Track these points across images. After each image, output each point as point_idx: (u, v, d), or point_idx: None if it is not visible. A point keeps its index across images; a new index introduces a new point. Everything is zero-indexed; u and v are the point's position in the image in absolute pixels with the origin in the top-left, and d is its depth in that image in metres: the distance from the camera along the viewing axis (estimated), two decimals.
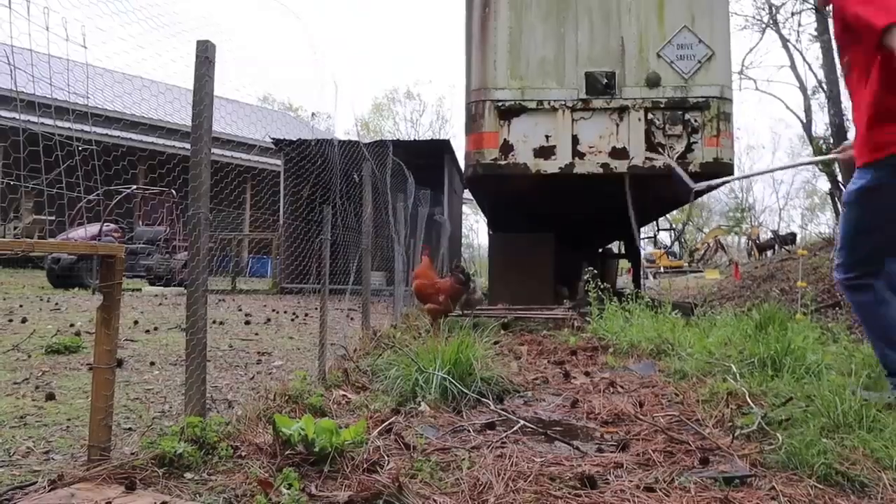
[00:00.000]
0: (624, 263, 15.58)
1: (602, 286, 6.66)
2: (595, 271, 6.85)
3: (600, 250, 14.24)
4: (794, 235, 19.74)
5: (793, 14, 20.07)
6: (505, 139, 7.76)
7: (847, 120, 17.73)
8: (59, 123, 2.51)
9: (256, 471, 2.06)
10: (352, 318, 5.98)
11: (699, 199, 9.89)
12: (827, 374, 3.50)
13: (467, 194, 16.16)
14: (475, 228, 43.06)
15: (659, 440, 2.56)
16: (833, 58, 17.66)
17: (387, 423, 2.72)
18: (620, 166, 7.74)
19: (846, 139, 17.82)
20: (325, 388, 3.32)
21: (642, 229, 14.08)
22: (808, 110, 21.87)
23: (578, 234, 11.36)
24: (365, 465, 2.14)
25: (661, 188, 8.04)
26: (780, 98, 60.25)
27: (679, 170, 5.62)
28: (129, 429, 2.60)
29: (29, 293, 9.64)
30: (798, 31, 29.09)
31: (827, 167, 19.42)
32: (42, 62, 2.20)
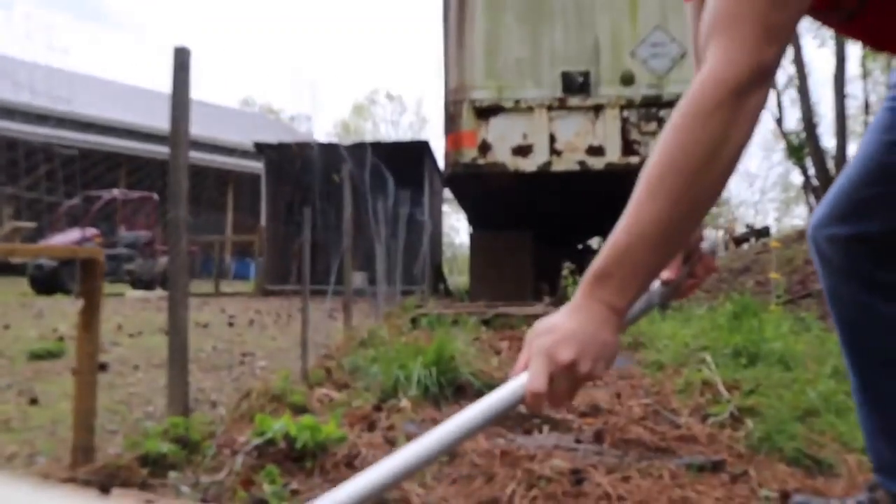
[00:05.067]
0: None
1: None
2: (574, 267, 6.93)
3: (580, 246, 14.35)
4: (768, 229, 19.94)
5: None
6: (483, 138, 7.83)
7: (816, 115, 17.95)
8: (39, 129, 2.54)
9: (239, 468, 2.10)
10: (334, 318, 6.02)
11: None
12: (799, 361, 3.59)
13: (448, 193, 16.22)
14: (456, 227, 43.14)
15: (635, 430, 2.62)
16: (802, 55, 17.89)
17: (368, 419, 2.76)
18: (597, 164, 7.82)
19: (816, 133, 17.98)
20: (307, 386, 3.36)
21: None
22: (779, 105, 22.13)
23: (558, 231, 11.45)
24: (346, 461, 2.19)
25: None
26: None
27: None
28: (114, 431, 2.63)
29: (11, 299, 9.59)
30: None
31: (799, 160, 19.65)
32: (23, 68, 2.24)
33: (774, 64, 1.03)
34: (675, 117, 1.03)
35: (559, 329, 0.97)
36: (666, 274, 1.24)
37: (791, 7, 1.05)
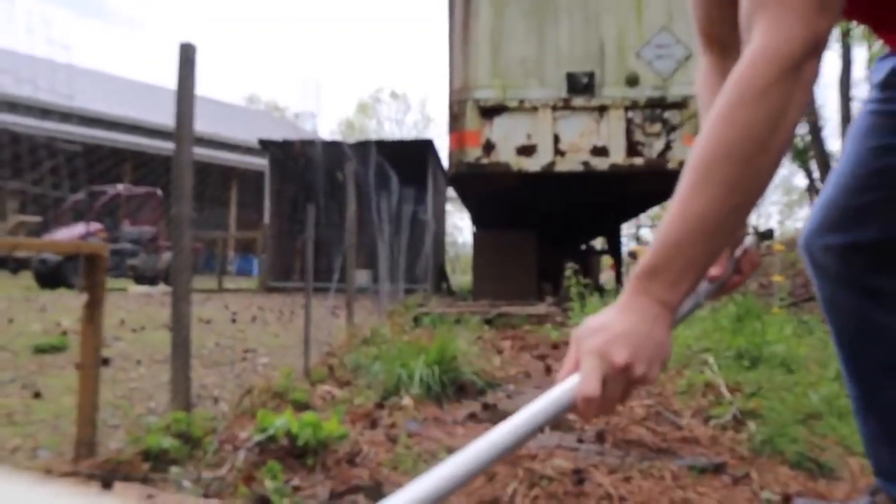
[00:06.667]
0: (607, 259, 15.69)
1: (584, 282, 6.74)
2: (577, 267, 6.93)
3: (583, 247, 14.36)
4: (771, 231, 19.94)
5: None
6: (487, 138, 7.83)
7: (820, 118, 17.86)
8: (43, 124, 2.55)
9: (241, 464, 2.10)
10: (336, 316, 6.02)
11: None
12: (801, 364, 3.58)
13: (451, 192, 16.23)
14: (459, 226, 43.16)
15: (637, 431, 2.62)
16: None
17: (370, 416, 2.77)
18: (601, 164, 7.82)
19: (821, 136, 17.94)
20: (309, 383, 3.37)
21: (623, 226, 14.19)
22: None
23: (561, 230, 11.46)
24: (347, 458, 2.19)
25: (641, 185, 8.13)
26: None
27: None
28: (116, 425, 2.64)
29: (15, 293, 9.61)
30: None
31: (803, 163, 19.62)
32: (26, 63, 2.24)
33: (828, 35, 0.99)
34: (723, 101, 0.98)
35: (611, 328, 0.93)
36: (713, 270, 1.20)
37: None
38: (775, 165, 0.98)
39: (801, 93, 0.96)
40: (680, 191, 0.98)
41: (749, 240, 1.30)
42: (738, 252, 1.28)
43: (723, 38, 1.41)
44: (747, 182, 0.96)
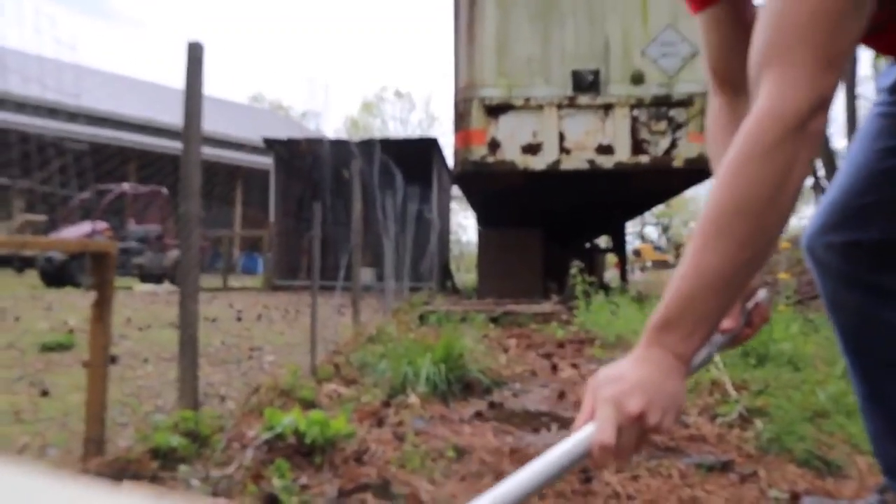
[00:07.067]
0: (611, 258, 15.69)
1: (589, 280, 6.74)
2: (582, 265, 6.92)
3: (588, 245, 14.35)
4: None
5: None
6: (492, 136, 7.82)
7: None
8: (48, 123, 2.56)
9: (249, 462, 2.11)
10: (342, 314, 6.03)
11: (685, 193, 10.05)
12: (808, 362, 3.58)
13: (456, 191, 16.23)
14: (464, 225, 43.16)
15: None
16: None
17: (377, 414, 2.77)
18: (607, 163, 7.81)
19: (827, 134, 17.88)
20: (316, 381, 3.37)
21: (628, 224, 14.18)
22: None
23: (566, 229, 11.46)
24: (355, 456, 2.20)
25: (646, 183, 8.13)
26: None
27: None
28: (124, 423, 2.65)
29: (21, 292, 9.64)
30: None
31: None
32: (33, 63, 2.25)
33: (833, 92, 0.99)
34: (732, 157, 1.00)
35: (626, 378, 0.94)
36: (726, 322, 1.22)
37: (848, 33, 1.00)
38: (784, 220, 1.00)
39: (807, 149, 0.97)
40: (693, 245, 1.00)
41: (761, 293, 1.31)
42: (749, 304, 1.30)
43: (735, 79, 1.40)
44: (757, 238, 0.98)
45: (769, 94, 0.99)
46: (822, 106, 0.97)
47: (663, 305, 1.00)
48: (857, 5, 0.99)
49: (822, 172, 17.34)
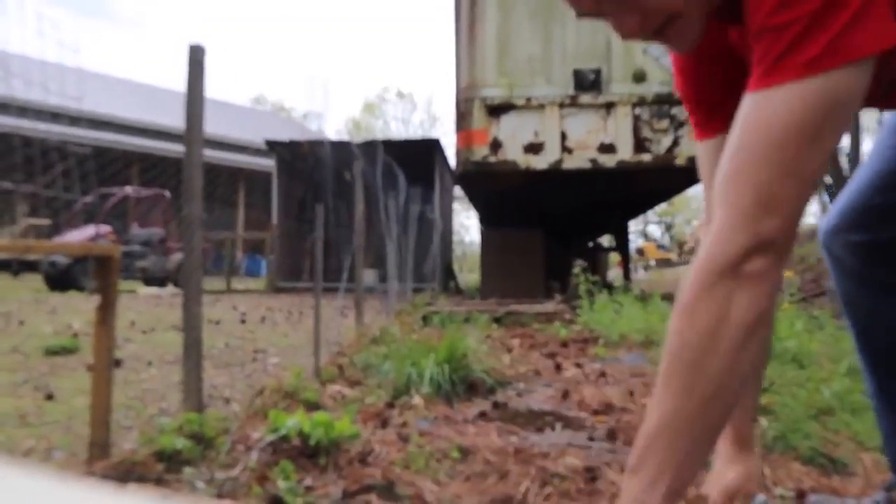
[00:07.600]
0: (614, 256, 15.67)
1: (592, 279, 6.73)
2: (585, 265, 6.92)
3: (590, 244, 14.34)
4: None
5: None
6: (494, 136, 7.82)
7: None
8: (52, 127, 2.56)
9: (254, 464, 2.11)
10: (345, 315, 6.03)
11: (688, 191, 10.02)
12: (813, 359, 3.57)
13: (458, 191, 16.23)
14: (466, 225, 43.14)
15: None
16: None
17: (381, 415, 2.77)
18: (609, 161, 7.80)
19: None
20: (320, 383, 3.37)
21: (631, 222, 14.16)
22: None
23: (569, 228, 11.44)
24: (359, 458, 2.20)
25: (649, 182, 8.12)
26: None
27: None
28: (129, 426, 2.65)
29: (25, 296, 9.65)
30: None
31: None
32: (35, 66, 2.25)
33: (778, 235, 0.94)
34: (676, 304, 0.98)
35: None
36: None
37: (800, 180, 0.94)
38: (732, 367, 0.94)
39: (746, 291, 0.93)
40: (654, 389, 0.99)
41: (759, 499, 1.30)
42: None
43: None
44: (703, 386, 0.94)
45: (711, 235, 0.97)
46: (759, 248, 0.93)
47: (632, 451, 0.98)
48: (816, 149, 0.93)
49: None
